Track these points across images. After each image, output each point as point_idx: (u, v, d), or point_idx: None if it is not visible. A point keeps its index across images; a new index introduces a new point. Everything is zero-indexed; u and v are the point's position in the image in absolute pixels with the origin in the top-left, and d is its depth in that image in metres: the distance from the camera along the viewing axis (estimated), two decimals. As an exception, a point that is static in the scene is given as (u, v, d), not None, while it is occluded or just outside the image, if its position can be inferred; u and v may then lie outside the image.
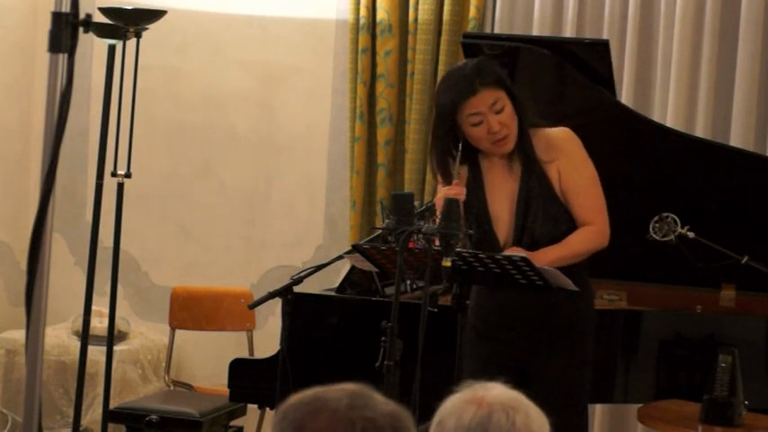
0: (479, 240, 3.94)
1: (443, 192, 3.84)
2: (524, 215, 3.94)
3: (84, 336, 5.23)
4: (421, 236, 3.43)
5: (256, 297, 4.76)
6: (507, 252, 3.84)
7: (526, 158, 3.95)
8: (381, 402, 1.73)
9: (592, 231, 3.95)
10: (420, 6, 5.86)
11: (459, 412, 1.91)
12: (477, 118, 3.89)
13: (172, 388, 5.84)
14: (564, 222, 3.95)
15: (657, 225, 4.64)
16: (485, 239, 3.94)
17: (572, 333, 3.99)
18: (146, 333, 6.28)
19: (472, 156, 4.00)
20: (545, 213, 3.94)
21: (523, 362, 3.98)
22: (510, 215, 3.96)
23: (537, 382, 3.89)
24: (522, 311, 3.95)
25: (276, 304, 4.49)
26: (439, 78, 5.84)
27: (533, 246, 3.90)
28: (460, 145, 3.91)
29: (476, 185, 4.00)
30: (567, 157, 3.97)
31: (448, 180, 3.93)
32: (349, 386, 1.74)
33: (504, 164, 4.00)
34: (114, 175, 5.29)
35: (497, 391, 1.95)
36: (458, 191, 3.80)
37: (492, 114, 3.89)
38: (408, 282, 3.85)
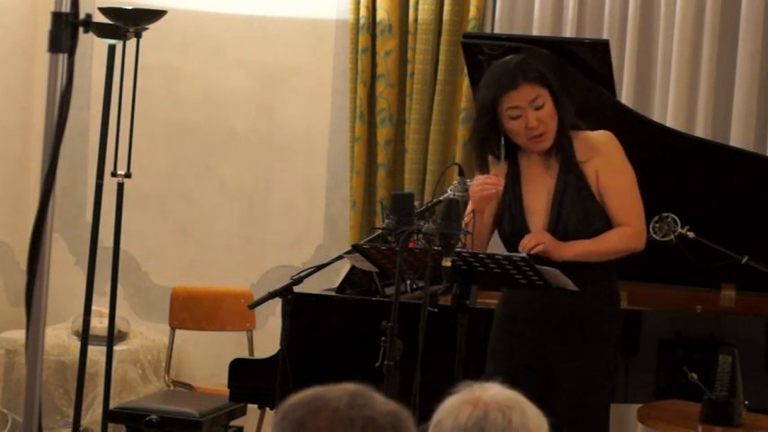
0: (512, 234, 3.95)
1: (481, 180, 3.86)
2: (559, 212, 3.95)
3: (84, 336, 5.23)
4: (421, 236, 3.43)
5: (256, 297, 4.76)
6: (534, 234, 3.86)
7: (564, 158, 3.96)
8: (381, 402, 1.73)
9: (626, 232, 3.97)
10: (420, 6, 5.86)
11: (456, 413, 1.91)
12: (516, 112, 3.91)
13: (172, 388, 5.84)
14: (597, 222, 3.95)
15: (657, 225, 4.63)
16: (518, 233, 3.94)
17: (599, 335, 3.99)
18: (146, 333, 6.28)
19: (511, 151, 4.01)
20: (579, 211, 3.95)
21: (548, 361, 3.97)
22: (545, 211, 3.97)
23: (561, 382, 3.90)
24: (552, 311, 3.95)
25: (276, 304, 4.49)
26: (439, 78, 5.85)
27: (565, 234, 3.92)
28: (503, 140, 3.94)
29: (513, 180, 4.02)
30: (607, 159, 3.99)
31: (485, 172, 3.97)
32: (349, 386, 1.74)
33: (541, 161, 4.01)
34: (114, 175, 5.29)
35: (494, 391, 1.95)
36: (495, 181, 3.84)
37: (531, 110, 3.90)
38: (408, 282, 3.84)
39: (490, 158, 4.03)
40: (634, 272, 4.84)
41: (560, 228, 3.94)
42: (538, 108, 3.92)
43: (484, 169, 4.00)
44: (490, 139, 3.98)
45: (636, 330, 4.53)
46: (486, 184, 3.88)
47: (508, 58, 4.11)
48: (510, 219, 4.00)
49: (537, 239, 3.88)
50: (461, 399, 1.94)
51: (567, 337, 3.96)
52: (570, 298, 3.87)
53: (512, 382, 3.80)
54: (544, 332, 3.97)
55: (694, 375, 4.10)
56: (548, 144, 3.96)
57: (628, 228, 3.97)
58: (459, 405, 1.92)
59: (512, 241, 3.98)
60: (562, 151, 3.97)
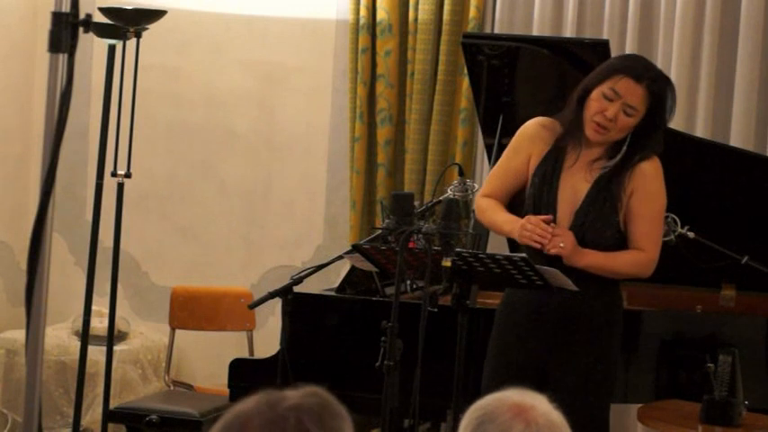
0: (535, 203, 3.94)
1: (535, 223, 3.84)
2: (583, 221, 3.92)
3: (84, 336, 5.23)
4: (421, 236, 3.43)
5: (256, 297, 4.76)
6: (564, 233, 3.86)
7: (621, 168, 3.92)
8: (292, 392, 1.74)
9: (641, 258, 3.96)
10: (420, 6, 5.86)
11: (505, 426, 1.89)
12: (613, 96, 3.88)
13: (172, 388, 5.84)
14: (610, 239, 3.93)
15: (657, 225, 4.63)
16: (544, 207, 3.92)
17: (603, 335, 3.98)
18: (146, 333, 6.28)
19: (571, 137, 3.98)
20: (599, 225, 3.92)
21: (549, 360, 3.97)
22: (572, 209, 3.93)
23: (562, 380, 3.89)
24: (554, 311, 3.94)
25: (276, 304, 4.49)
26: (439, 78, 5.86)
27: (581, 244, 3.91)
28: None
29: (555, 160, 3.97)
30: (647, 183, 3.96)
31: (568, 133, 3.94)
32: (255, 395, 1.75)
33: (589, 158, 3.96)
34: (114, 175, 5.28)
35: (544, 409, 1.92)
36: (546, 236, 3.84)
37: (620, 108, 3.87)
38: (408, 282, 3.84)
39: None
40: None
41: (578, 236, 3.93)
42: (627, 114, 3.88)
43: (570, 127, 3.94)
44: (581, 102, 3.94)
45: (636, 330, 4.53)
46: (537, 229, 3.85)
47: (651, 61, 4.13)
48: (537, 194, 3.97)
49: (564, 239, 3.85)
50: (509, 410, 1.91)
51: (569, 337, 3.96)
52: (574, 298, 3.86)
53: (508, 380, 3.81)
54: (546, 332, 3.97)
55: (712, 366, 4.09)
56: (600, 140, 3.92)
57: (643, 254, 3.95)
58: (508, 418, 1.89)
59: (530, 205, 3.95)
60: (623, 165, 3.92)
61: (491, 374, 3.98)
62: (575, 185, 3.96)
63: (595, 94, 3.90)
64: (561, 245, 3.84)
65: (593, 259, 3.90)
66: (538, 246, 3.84)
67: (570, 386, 3.90)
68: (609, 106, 3.87)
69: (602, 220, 3.93)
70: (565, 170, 3.98)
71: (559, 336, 3.95)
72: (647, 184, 3.96)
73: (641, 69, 3.91)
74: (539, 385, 3.89)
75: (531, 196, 3.96)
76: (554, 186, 3.95)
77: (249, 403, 1.73)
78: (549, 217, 3.88)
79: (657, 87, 3.90)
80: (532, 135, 4.03)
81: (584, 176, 3.96)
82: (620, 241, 3.95)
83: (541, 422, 1.89)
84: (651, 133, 3.94)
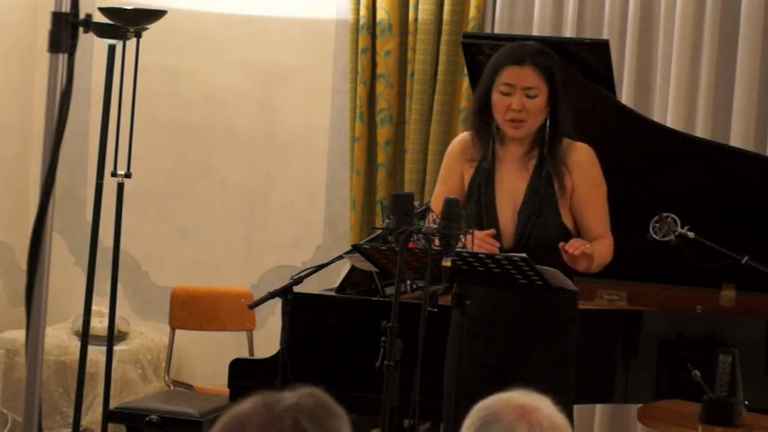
0: (476, 213, 3.94)
1: (481, 238, 3.82)
2: (527, 218, 3.94)
3: (84, 336, 5.23)
4: (421, 236, 3.43)
5: (256, 297, 4.76)
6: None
7: (551, 159, 3.94)
8: (289, 393, 1.75)
9: (609, 244, 3.99)
10: (420, 6, 5.86)
11: (509, 427, 1.89)
12: (509, 89, 3.92)
13: (172, 388, 5.84)
14: (554, 232, 3.94)
15: (657, 225, 4.63)
16: (486, 225, 3.93)
17: (558, 334, 3.97)
18: (146, 333, 6.28)
19: (492, 142, 4.01)
20: (541, 219, 3.94)
21: (507, 360, 3.96)
22: (513, 211, 3.96)
23: (520, 380, 3.87)
24: (507, 309, 3.94)
25: (276, 304, 4.49)
26: (439, 78, 5.86)
27: (527, 247, 3.90)
28: (494, 125, 3.95)
29: (487, 171, 4.00)
30: (586, 172, 3.98)
31: (484, 147, 3.96)
32: (251, 397, 1.75)
33: (518, 158, 3.99)
34: (114, 175, 5.29)
35: (548, 411, 1.92)
36: (492, 243, 3.83)
37: (522, 94, 3.90)
38: (408, 282, 3.84)
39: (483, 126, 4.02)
40: (634, 272, 4.85)
41: (524, 235, 3.93)
42: (530, 97, 3.92)
43: (483, 140, 3.98)
44: (485, 107, 3.98)
45: (636, 330, 4.53)
46: (485, 244, 3.85)
47: (530, 42, 4.14)
48: (476, 205, 3.98)
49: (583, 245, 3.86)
50: (514, 411, 1.91)
51: (526, 335, 3.95)
52: (529, 298, 3.87)
53: (471, 380, 3.80)
54: (503, 331, 3.95)
55: (697, 373, 4.10)
56: (522, 134, 3.95)
57: (607, 240, 3.98)
58: (512, 419, 1.90)
59: (473, 220, 3.95)
60: (550, 154, 3.95)
61: (451, 375, 3.95)
62: (511, 186, 3.98)
63: (494, 97, 3.95)
64: (587, 247, 3.85)
65: (598, 257, 3.92)
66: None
67: (529, 384, 3.87)
68: (511, 99, 3.91)
69: (545, 216, 3.93)
70: (498, 176, 4.00)
71: (516, 334, 3.94)
72: (586, 172, 3.99)
73: (518, 52, 3.96)
74: (499, 385, 3.85)
75: (472, 212, 3.98)
76: (491, 195, 3.96)
77: (246, 404, 1.74)
78: (493, 231, 3.88)
79: (542, 60, 3.95)
80: (458, 154, 4.08)
81: (519, 175, 3.99)
82: (562, 238, 3.94)
83: (545, 424, 1.90)
84: (561, 110, 3.96)
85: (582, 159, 4.00)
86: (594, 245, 3.93)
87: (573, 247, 3.83)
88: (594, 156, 4.03)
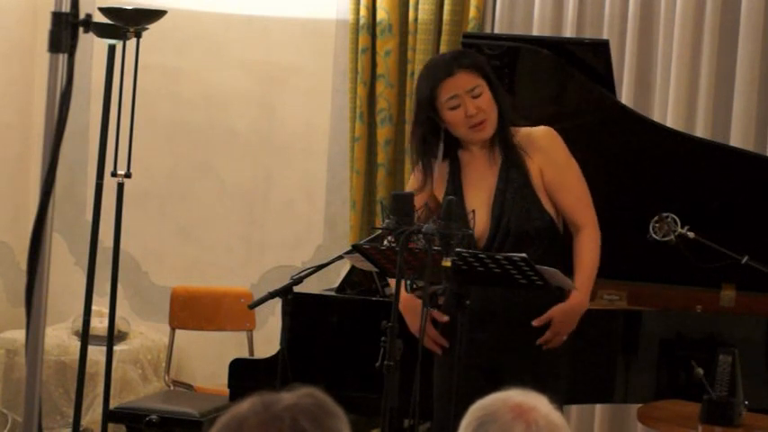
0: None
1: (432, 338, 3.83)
2: (501, 211, 3.94)
3: (84, 336, 5.23)
4: (421, 236, 3.43)
5: (256, 297, 4.76)
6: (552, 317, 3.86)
7: (507, 153, 3.96)
8: (287, 393, 1.75)
9: (593, 238, 3.97)
10: (420, 6, 5.86)
11: (506, 427, 1.89)
12: (455, 101, 3.92)
13: (172, 388, 5.84)
14: (537, 221, 3.95)
15: (657, 225, 4.63)
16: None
17: (543, 333, 3.97)
18: (146, 333, 6.28)
19: (452, 150, 4.01)
20: (520, 210, 3.94)
21: (496, 361, 3.96)
22: (486, 209, 3.95)
23: (506, 381, 3.86)
24: (494, 309, 3.94)
25: (276, 304, 4.48)
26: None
27: (507, 240, 3.90)
28: (442, 134, 3.94)
29: (453, 179, 4.01)
30: (550, 155, 3.98)
31: (428, 170, 3.97)
32: (250, 397, 1.75)
33: (485, 156, 4.00)
34: (114, 175, 5.28)
35: (545, 410, 1.92)
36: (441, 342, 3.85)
37: (469, 98, 3.91)
38: (408, 282, 3.84)
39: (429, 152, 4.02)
40: (634, 272, 4.85)
41: (502, 227, 3.93)
42: (476, 97, 3.93)
43: (428, 168, 3.98)
44: (429, 138, 3.98)
45: (636, 330, 4.53)
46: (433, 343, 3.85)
47: (442, 53, 4.16)
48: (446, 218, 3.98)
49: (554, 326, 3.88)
50: (511, 411, 1.91)
51: (509, 335, 3.94)
52: (516, 298, 3.87)
53: (462, 380, 3.79)
54: (491, 332, 3.95)
55: (700, 371, 4.09)
56: (489, 132, 3.96)
57: (589, 231, 3.97)
58: (509, 419, 1.89)
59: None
60: (504, 144, 3.96)
61: (442, 376, 3.94)
62: (482, 186, 3.98)
63: (446, 116, 3.93)
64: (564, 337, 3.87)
65: (589, 282, 3.94)
66: None
67: (517, 385, 3.85)
68: (464, 107, 3.91)
69: (524, 203, 3.92)
70: (465, 181, 4.01)
71: (507, 334, 3.94)
72: (550, 155, 3.98)
73: (443, 66, 3.96)
74: (490, 385, 3.85)
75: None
76: (460, 202, 3.95)
77: (245, 404, 1.74)
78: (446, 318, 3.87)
79: (466, 60, 3.97)
80: (421, 195, 4.00)
81: (489, 172, 3.99)
82: (546, 226, 3.94)
83: (542, 423, 1.89)
84: (502, 95, 3.98)
85: (542, 143, 3.99)
86: (577, 266, 3.93)
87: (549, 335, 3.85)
88: (556, 136, 4.01)
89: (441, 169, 4.00)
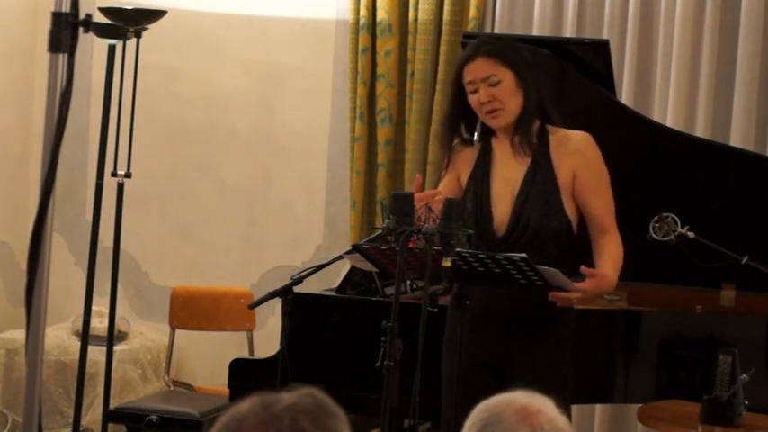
0: (475, 218, 3.95)
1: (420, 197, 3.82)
2: (523, 206, 3.94)
3: (84, 336, 5.23)
4: (421, 236, 3.43)
5: (256, 297, 4.76)
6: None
7: (534, 149, 3.96)
8: (287, 393, 1.75)
9: (618, 241, 3.99)
10: (420, 6, 5.86)
11: (510, 430, 1.88)
12: (473, 87, 3.97)
13: (172, 388, 5.85)
14: (555, 222, 3.95)
15: (657, 225, 4.63)
16: (480, 217, 3.94)
17: (552, 334, 3.97)
18: (146, 333, 6.29)
19: (487, 135, 4.03)
20: (542, 209, 3.94)
21: (503, 359, 3.96)
22: (510, 200, 3.96)
23: (517, 379, 3.87)
24: (501, 310, 3.94)
25: (276, 304, 4.49)
26: (439, 78, 5.86)
27: (524, 234, 3.91)
28: (479, 123, 3.97)
29: (483, 163, 4.01)
30: (587, 160, 3.98)
31: (446, 150, 4.04)
32: (250, 397, 1.75)
33: (513, 149, 4.00)
34: (114, 175, 5.29)
35: (551, 414, 1.92)
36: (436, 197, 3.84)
37: (485, 86, 3.92)
38: (408, 282, 3.84)
39: (456, 143, 4.04)
40: (634, 272, 4.85)
41: (522, 222, 3.94)
42: (492, 85, 3.94)
43: (446, 150, 4.04)
44: (463, 117, 4.01)
45: (636, 330, 4.53)
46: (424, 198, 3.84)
47: (481, 34, 4.18)
48: (473, 198, 3.99)
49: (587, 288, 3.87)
50: (516, 413, 1.90)
51: (521, 336, 3.94)
52: (524, 298, 3.86)
53: (469, 380, 3.79)
54: (497, 331, 3.94)
55: (745, 377, 4.09)
56: (502, 122, 3.97)
57: (613, 236, 3.98)
58: (514, 422, 1.89)
59: (476, 226, 3.96)
60: (522, 137, 3.97)
61: (448, 375, 3.94)
62: (509, 177, 3.99)
63: (468, 98, 3.98)
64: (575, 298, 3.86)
65: (615, 271, 3.93)
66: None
67: (525, 384, 3.85)
68: (478, 95, 3.94)
69: (547, 202, 3.93)
70: (494, 168, 4.01)
71: (512, 333, 3.94)
72: (586, 159, 3.99)
73: (468, 50, 4.02)
74: (495, 385, 3.86)
75: (469, 205, 3.98)
76: (486, 189, 3.97)
77: (245, 404, 1.74)
78: (437, 191, 3.85)
79: (490, 47, 3.98)
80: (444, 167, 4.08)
81: (518, 166, 3.99)
82: (562, 230, 3.94)
83: (547, 427, 1.89)
84: (528, 88, 3.97)
85: (580, 147, 4.00)
86: (604, 256, 3.94)
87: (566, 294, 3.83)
88: (594, 143, 4.02)
89: (470, 152, 4.02)
